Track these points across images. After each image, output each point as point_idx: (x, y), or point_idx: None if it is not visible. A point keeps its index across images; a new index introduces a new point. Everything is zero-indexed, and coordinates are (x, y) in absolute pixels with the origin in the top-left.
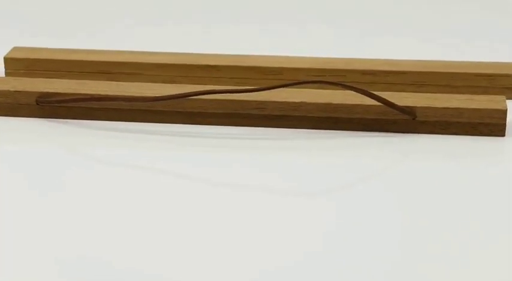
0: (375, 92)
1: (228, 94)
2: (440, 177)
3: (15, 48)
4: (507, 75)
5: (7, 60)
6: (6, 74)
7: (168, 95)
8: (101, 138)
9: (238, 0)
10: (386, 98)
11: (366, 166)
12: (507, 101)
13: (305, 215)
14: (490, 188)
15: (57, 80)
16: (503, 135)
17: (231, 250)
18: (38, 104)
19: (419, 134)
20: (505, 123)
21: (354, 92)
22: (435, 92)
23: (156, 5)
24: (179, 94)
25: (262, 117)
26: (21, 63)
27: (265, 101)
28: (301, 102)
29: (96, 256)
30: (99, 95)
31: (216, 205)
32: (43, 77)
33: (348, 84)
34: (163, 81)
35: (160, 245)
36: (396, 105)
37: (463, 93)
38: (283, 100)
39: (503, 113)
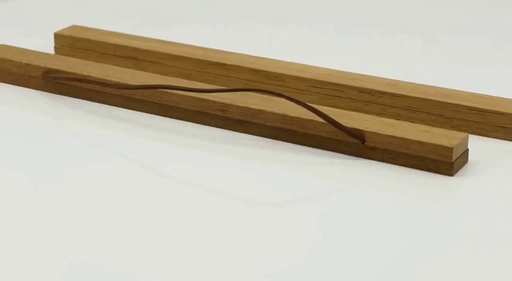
0: (328, 109)
1: (196, 92)
2: (372, 209)
3: (72, 26)
4: (500, 113)
5: (56, 36)
6: (55, 49)
7: (133, 85)
8: (85, 118)
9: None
10: (336, 118)
11: (307, 185)
12: (497, 140)
13: (239, 223)
14: (419, 228)
15: (65, 57)
16: (451, 174)
17: (170, 245)
18: (42, 78)
19: (370, 160)
20: (453, 162)
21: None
22: (427, 120)
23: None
24: (142, 85)
25: (226, 120)
26: (67, 40)
27: (229, 104)
28: (260, 110)
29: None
30: (80, 75)
31: (159, 200)
32: (81, 55)
33: (294, 98)
34: (180, 74)
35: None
36: (342, 126)
37: (455, 125)
38: (244, 105)
39: (450, 151)
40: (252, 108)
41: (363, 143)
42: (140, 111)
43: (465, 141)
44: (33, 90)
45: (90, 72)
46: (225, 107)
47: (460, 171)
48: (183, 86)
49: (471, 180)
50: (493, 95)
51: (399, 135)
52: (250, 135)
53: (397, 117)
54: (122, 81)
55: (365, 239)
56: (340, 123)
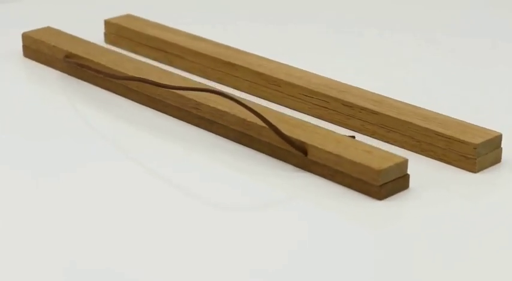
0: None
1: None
2: (296, 225)
3: (126, 15)
4: (463, 142)
5: (106, 23)
6: (104, 35)
7: (115, 74)
8: (89, 102)
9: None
10: (289, 128)
11: (245, 194)
12: (458, 169)
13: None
14: (336, 250)
15: (88, 43)
16: (378, 198)
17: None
18: (64, 61)
19: (312, 174)
20: (380, 186)
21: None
22: (399, 141)
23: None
24: (120, 75)
25: (199, 118)
26: (114, 28)
27: (201, 103)
28: (225, 111)
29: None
30: (88, 60)
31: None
32: (124, 43)
33: (245, 103)
34: (199, 70)
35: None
36: (285, 135)
37: (424, 150)
38: (213, 106)
39: (376, 174)
40: (219, 109)
41: (306, 155)
42: (136, 101)
43: (402, 166)
44: (58, 72)
45: (101, 60)
46: (198, 105)
47: (395, 196)
48: (152, 80)
49: (400, 207)
50: (468, 122)
51: (336, 153)
52: (219, 137)
53: (373, 135)
54: (121, 70)
55: (277, 255)
56: (282, 133)
